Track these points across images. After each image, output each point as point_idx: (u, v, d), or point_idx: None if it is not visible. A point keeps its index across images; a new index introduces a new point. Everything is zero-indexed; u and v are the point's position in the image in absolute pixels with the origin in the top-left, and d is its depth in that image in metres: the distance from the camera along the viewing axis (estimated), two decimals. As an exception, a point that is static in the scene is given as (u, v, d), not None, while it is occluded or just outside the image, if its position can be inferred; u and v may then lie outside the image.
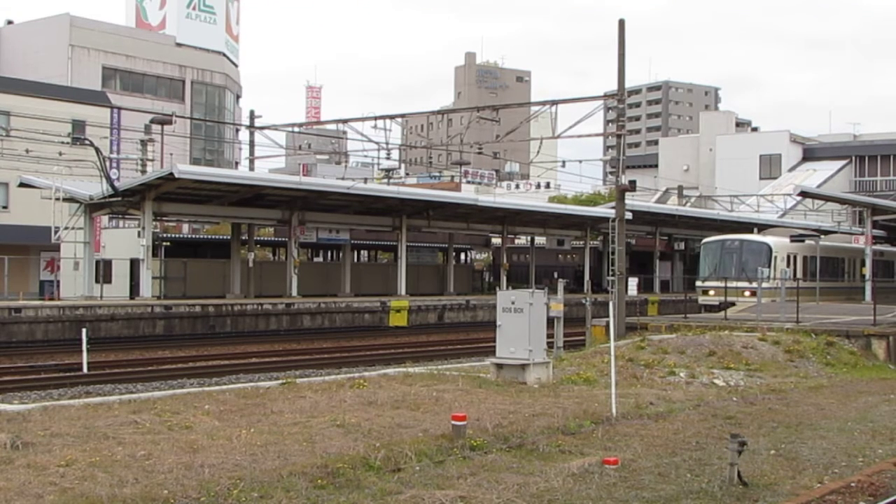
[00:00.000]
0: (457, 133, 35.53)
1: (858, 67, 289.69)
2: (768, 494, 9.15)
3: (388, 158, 42.82)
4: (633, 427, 12.52)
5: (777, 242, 38.55)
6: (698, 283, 37.29)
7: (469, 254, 63.57)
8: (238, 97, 76.12)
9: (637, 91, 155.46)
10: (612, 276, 27.80)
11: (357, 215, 41.75)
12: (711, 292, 34.90)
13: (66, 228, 35.53)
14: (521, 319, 16.33)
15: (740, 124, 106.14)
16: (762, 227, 44.72)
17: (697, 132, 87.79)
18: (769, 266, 36.13)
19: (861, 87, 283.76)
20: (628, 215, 29.67)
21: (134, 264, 36.98)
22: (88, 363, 22.91)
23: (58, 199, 34.89)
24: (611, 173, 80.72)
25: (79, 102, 47.92)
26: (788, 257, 38.19)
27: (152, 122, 45.96)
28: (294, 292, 38.25)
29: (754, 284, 33.45)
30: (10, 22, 67.62)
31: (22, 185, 37.98)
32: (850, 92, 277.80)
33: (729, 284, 32.59)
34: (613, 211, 29.00)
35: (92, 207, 36.15)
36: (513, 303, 16.53)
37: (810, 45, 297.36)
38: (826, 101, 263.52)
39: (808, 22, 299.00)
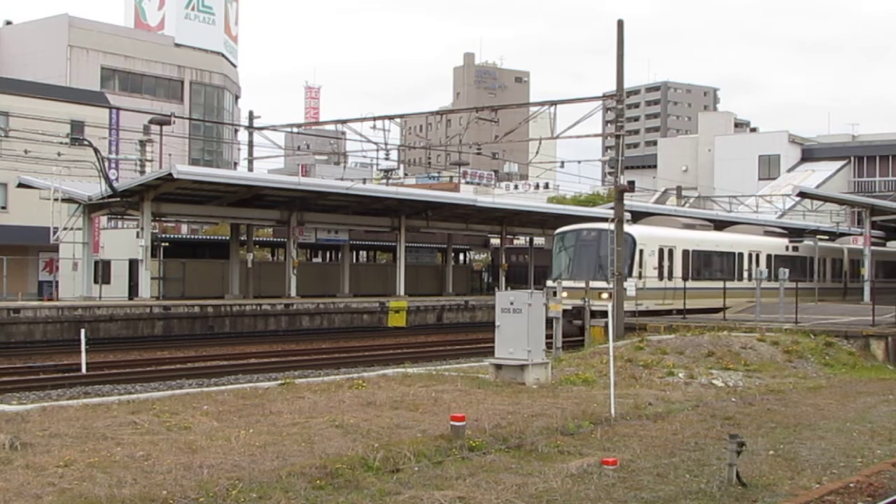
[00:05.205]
0: (455, 133, 35.53)
1: (857, 69, 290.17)
2: (767, 495, 9.16)
3: (386, 159, 42.69)
4: (632, 427, 12.53)
5: (645, 233, 31.80)
6: (549, 283, 28.51)
7: (468, 254, 63.54)
8: (237, 98, 76.12)
9: (636, 91, 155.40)
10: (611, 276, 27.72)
11: (356, 216, 41.74)
12: (564, 294, 26.92)
13: (64, 229, 35.51)
14: (520, 320, 16.33)
15: (739, 125, 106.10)
16: (639, 216, 36.67)
17: (696, 133, 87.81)
18: (631, 261, 29.93)
19: (859, 88, 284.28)
20: (627, 216, 29.64)
21: (133, 265, 36.99)
22: (87, 364, 22.89)
23: (56, 199, 34.89)
24: (609, 174, 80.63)
25: (77, 103, 47.94)
26: (662, 252, 31.73)
27: (151, 122, 45.92)
28: (293, 293, 38.23)
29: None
30: (8, 22, 67.61)
31: (21, 185, 37.97)
32: (849, 93, 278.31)
33: (582, 285, 27.13)
34: (612, 212, 28.97)
35: (91, 208, 36.13)
36: (511, 303, 16.54)
37: (808, 46, 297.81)
38: (824, 103, 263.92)
39: (806, 24, 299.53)
